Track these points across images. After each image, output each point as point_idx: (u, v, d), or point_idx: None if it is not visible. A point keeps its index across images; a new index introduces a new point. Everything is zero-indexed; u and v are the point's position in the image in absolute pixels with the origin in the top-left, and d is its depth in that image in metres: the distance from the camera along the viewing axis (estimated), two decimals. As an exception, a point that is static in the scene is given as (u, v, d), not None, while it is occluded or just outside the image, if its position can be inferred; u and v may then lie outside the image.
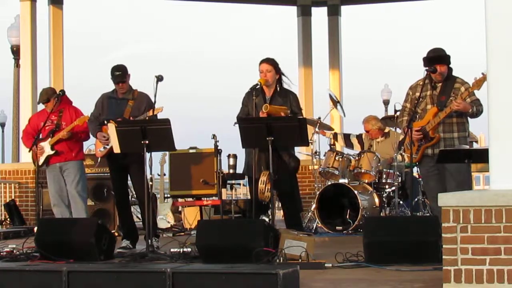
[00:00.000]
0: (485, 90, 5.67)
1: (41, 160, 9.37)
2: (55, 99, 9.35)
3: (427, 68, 7.90)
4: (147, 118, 8.45)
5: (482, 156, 7.40)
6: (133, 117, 8.61)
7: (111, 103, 8.83)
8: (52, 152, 9.27)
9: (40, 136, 9.47)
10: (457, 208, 5.30)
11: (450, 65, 8.00)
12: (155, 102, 8.28)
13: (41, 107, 9.79)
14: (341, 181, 10.49)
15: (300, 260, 6.88)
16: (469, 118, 8.03)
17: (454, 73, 8.06)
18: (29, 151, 9.29)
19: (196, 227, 8.45)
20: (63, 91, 9.45)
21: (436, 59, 7.91)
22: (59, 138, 9.28)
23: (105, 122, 8.76)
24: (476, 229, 5.26)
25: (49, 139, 9.32)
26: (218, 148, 10.68)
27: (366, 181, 10.70)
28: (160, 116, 8.59)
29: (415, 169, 10.24)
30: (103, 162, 9.88)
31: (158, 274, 5.64)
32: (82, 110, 9.49)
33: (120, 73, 8.71)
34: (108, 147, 8.66)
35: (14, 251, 8.29)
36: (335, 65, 14.35)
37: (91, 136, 9.20)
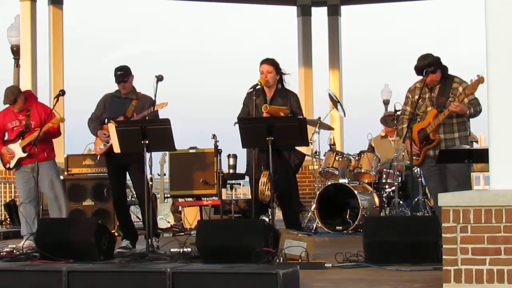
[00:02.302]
0: (485, 90, 5.67)
1: (13, 163, 9.20)
2: (23, 98, 9.10)
3: (423, 76, 7.91)
4: (152, 110, 8.43)
5: (482, 156, 7.40)
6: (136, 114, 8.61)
7: (114, 102, 8.83)
8: (24, 155, 9.10)
9: (6, 137, 9.26)
10: (457, 208, 5.30)
11: (444, 65, 8.01)
12: (155, 101, 8.29)
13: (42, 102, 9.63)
14: (341, 181, 10.49)
15: (300, 260, 6.87)
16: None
17: (454, 73, 8.07)
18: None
19: (196, 227, 8.45)
20: (63, 91, 9.36)
21: (428, 66, 7.89)
22: (31, 140, 8.96)
23: (106, 121, 8.76)
24: (476, 229, 5.26)
25: (19, 141, 9.11)
26: (218, 148, 10.68)
27: (366, 181, 10.70)
28: (160, 115, 8.60)
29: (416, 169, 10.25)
30: (102, 161, 9.86)
31: (158, 274, 5.64)
32: (81, 110, 9.43)
33: (121, 73, 8.71)
34: (108, 144, 8.65)
35: (14, 251, 8.29)
36: (335, 65, 14.35)
37: (89, 137, 9.13)
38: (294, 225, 8.47)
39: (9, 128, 9.22)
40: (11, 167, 9.27)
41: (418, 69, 7.97)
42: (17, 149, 9.13)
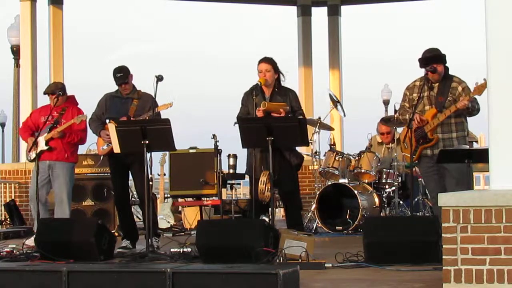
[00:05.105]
0: (485, 90, 5.68)
1: (33, 155, 9.28)
2: (64, 97, 9.25)
3: (427, 68, 7.90)
4: (156, 111, 8.43)
5: (482, 156, 7.40)
6: (138, 115, 8.61)
7: (115, 102, 8.82)
8: (45, 148, 9.17)
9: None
10: (457, 208, 5.30)
11: (446, 64, 8.01)
12: (155, 101, 8.29)
13: (43, 101, 9.66)
14: (341, 181, 10.50)
15: (300, 260, 6.87)
16: (467, 117, 8.03)
17: (454, 73, 8.07)
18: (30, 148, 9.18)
19: (196, 227, 8.45)
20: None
21: (433, 58, 7.91)
22: (53, 135, 9.12)
23: (107, 121, 8.76)
24: (476, 229, 5.26)
25: (46, 134, 9.18)
26: (218, 148, 10.68)
27: (366, 181, 10.70)
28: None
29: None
30: (104, 162, 9.85)
31: (158, 274, 5.64)
32: (83, 110, 9.41)
33: (121, 75, 8.70)
34: (111, 145, 8.64)
35: (14, 251, 8.29)
36: (335, 65, 14.36)
37: (90, 137, 9.16)
38: (297, 224, 8.45)
39: (41, 121, 9.33)
40: (31, 158, 9.32)
41: (422, 61, 7.95)
42: (41, 141, 9.18)
